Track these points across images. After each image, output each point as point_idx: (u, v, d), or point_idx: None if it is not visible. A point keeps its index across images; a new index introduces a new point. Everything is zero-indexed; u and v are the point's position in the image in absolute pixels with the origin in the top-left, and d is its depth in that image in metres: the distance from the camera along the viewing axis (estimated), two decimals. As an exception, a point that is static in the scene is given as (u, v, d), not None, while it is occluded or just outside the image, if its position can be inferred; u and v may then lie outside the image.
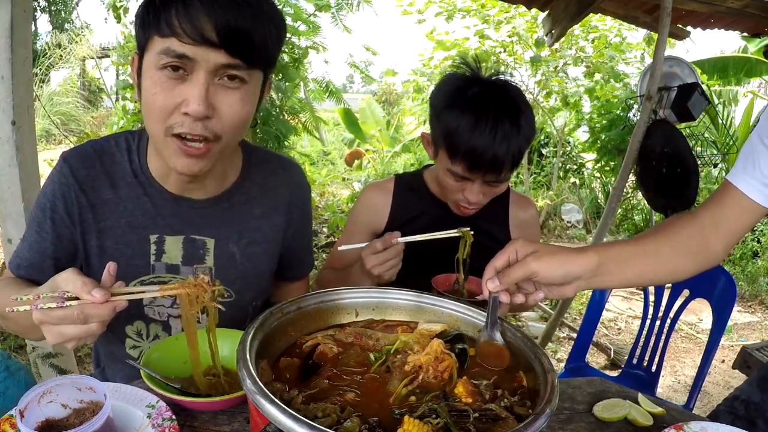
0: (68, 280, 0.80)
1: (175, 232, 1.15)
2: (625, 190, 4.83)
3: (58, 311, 0.78)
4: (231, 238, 1.20)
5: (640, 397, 1.11)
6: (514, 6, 5.65)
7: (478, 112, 1.29)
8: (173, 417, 0.88)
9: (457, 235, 1.33)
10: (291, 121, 4.36)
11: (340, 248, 1.37)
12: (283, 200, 1.27)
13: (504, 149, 1.29)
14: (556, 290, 0.98)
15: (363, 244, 1.31)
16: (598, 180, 7.68)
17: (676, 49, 6.55)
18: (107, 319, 0.81)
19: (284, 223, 1.27)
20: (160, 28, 0.91)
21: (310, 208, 1.39)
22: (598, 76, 6.45)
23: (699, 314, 4.62)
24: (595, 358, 3.78)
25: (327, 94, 5.09)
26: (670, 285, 2.14)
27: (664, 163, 2.85)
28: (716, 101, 6.56)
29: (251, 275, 1.24)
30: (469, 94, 1.33)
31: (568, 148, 7.92)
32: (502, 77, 1.40)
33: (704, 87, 3.15)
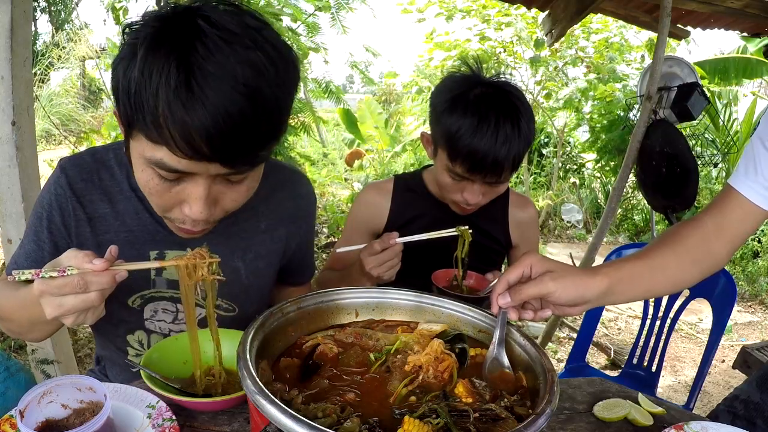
0: (69, 256, 0.80)
1: (178, 247, 1.11)
2: (625, 190, 4.83)
3: (58, 279, 0.77)
4: (236, 253, 1.17)
5: (641, 396, 1.11)
6: (515, 7, 5.66)
7: (480, 114, 1.29)
8: (173, 417, 0.88)
9: (455, 234, 1.33)
10: (290, 121, 4.35)
11: (338, 250, 1.37)
12: (288, 213, 1.23)
13: (505, 151, 1.29)
14: (564, 310, 0.96)
15: (361, 246, 1.31)
16: (598, 180, 7.69)
17: (677, 51, 6.56)
18: (107, 288, 0.80)
19: (287, 235, 1.24)
20: (148, 130, 0.78)
21: (315, 218, 1.36)
22: (593, 76, 6.45)
23: (699, 314, 4.62)
24: (595, 358, 3.78)
25: (327, 94, 5.09)
26: (670, 285, 2.14)
27: (664, 163, 2.85)
28: (718, 104, 6.56)
29: (255, 289, 1.21)
30: (471, 95, 1.32)
31: (568, 148, 7.92)
32: (503, 78, 1.40)
33: (704, 87, 3.15)
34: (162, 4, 3.36)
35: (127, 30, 0.81)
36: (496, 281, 1.35)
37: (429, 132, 1.47)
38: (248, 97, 0.77)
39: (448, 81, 1.42)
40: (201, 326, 1.17)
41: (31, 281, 1.08)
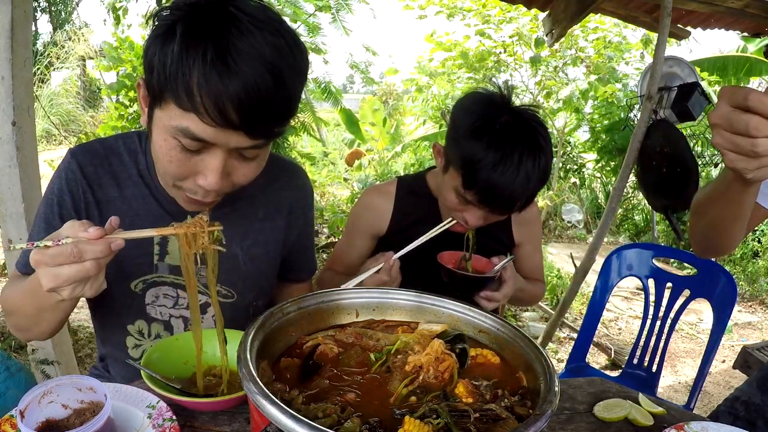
0: (67, 226, 0.81)
1: None
2: (625, 190, 4.84)
3: (53, 249, 0.77)
4: (234, 239, 1.19)
5: (641, 397, 1.11)
6: (515, 6, 5.66)
7: (504, 150, 1.24)
8: (174, 417, 0.88)
9: (450, 225, 1.38)
10: (290, 121, 4.35)
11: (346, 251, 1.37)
12: (285, 203, 1.27)
13: (521, 190, 1.27)
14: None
15: (365, 276, 1.29)
16: (599, 180, 7.69)
17: (678, 49, 6.56)
18: (102, 256, 0.79)
19: (286, 225, 1.27)
20: (179, 96, 0.84)
21: (313, 211, 1.38)
22: (593, 77, 6.47)
23: (699, 314, 4.62)
24: (595, 358, 3.78)
25: (325, 95, 5.10)
26: (670, 285, 2.15)
27: (664, 163, 2.85)
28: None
29: (253, 276, 1.24)
30: (497, 125, 1.27)
31: (569, 148, 7.92)
32: (530, 110, 1.34)
33: (705, 85, 3.14)
34: (163, 1, 3.36)
35: (158, 15, 0.89)
36: (502, 264, 1.36)
37: (441, 144, 1.43)
38: (273, 75, 0.85)
39: (473, 101, 1.36)
40: (203, 312, 1.20)
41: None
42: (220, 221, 1.15)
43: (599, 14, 4.48)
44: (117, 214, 1.10)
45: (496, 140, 1.25)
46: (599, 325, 2.38)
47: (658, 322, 2.14)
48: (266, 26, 0.86)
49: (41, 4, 13.80)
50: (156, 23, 0.88)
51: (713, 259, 3.79)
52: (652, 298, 2.21)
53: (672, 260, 4.61)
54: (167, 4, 0.90)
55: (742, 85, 6.84)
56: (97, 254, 0.79)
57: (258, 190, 1.21)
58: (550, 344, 3.71)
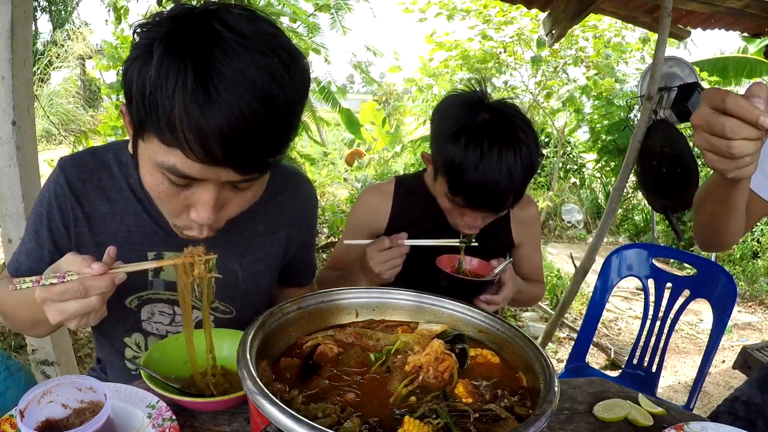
0: (69, 260, 0.82)
1: (176, 249, 1.09)
2: (625, 190, 4.84)
3: (59, 286, 0.79)
4: (233, 256, 1.16)
5: (641, 397, 1.11)
6: (515, 6, 5.66)
7: (483, 150, 1.24)
8: (173, 417, 0.88)
9: (459, 245, 1.38)
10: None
11: (346, 242, 1.37)
12: (287, 215, 1.21)
13: (507, 186, 1.27)
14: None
15: (369, 241, 1.32)
16: (599, 180, 7.69)
17: (676, 51, 6.57)
18: (106, 291, 0.82)
19: (287, 237, 1.23)
20: (161, 131, 0.77)
21: (316, 220, 1.34)
22: (592, 72, 6.47)
23: (699, 314, 4.62)
24: (595, 359, 3.78)
25: (324, 95, 5.10)
26: (670, 285, 2.15)
27: (665, 163, 2.85)
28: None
29: (252, 292, 1.21)
30: (474, 126, 1.27)
31: (569, 149, 7.92)
32: (508, 101, 1.34)
33: (705, 85, 3.14)
34: (163, 2, 3.36)
35: (139, 30, 0.80)
36: (501, 267, 1.36)
37: (429, 152, 1.43)
38: (263, 102, 0.76)
39: (450, 105, 1.36)
40: (198, 327, 1.17)
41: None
42: (218, 238, 1.10)
43: (599, 14, 4.48)
44: (109, 230, 1.08)
45: (473, 140, 1.25)
46: (599, 325, 2.38)
47: (658, 322, 2.14)
48: (255, 45, 0.76)
49: (41, 4, 13.82)
50: (135, 41, 0.80)
51: (713, 259, 3.79)
52: (651, 298, 2.21)
53: (672, 260, 4.62)
54: (146, 20, 0.81)
55: (741, 86, 6.86)
56: (103, 289, 0.81)
57: (259, 204, 1.13)
58: (550, 344, 3.71)
